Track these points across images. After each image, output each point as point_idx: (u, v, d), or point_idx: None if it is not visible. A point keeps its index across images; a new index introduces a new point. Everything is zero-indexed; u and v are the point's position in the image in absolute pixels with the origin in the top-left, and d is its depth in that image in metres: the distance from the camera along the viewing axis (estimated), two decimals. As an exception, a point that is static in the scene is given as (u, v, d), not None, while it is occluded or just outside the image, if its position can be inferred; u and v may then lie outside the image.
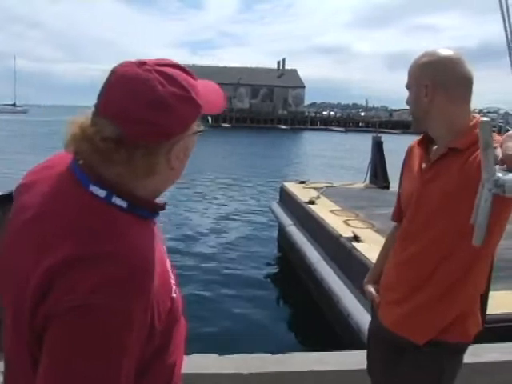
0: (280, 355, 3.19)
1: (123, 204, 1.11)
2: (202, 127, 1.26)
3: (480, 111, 40.18)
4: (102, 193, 1.09)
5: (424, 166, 2.00)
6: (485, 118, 1.28)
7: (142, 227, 1.13)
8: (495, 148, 1.16)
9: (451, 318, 1.91)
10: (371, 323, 2.30)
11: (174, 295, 1.18)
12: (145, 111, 1.07)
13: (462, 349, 1.99)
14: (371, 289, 2.22)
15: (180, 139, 1.16)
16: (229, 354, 3.16)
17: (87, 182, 1.10)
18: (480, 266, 1.91)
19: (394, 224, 2.29)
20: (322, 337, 6.42)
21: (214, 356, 3.14)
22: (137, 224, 1.12)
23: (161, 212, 1.21)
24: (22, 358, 1.11)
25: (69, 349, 0.99)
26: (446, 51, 1.92)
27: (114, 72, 1.13)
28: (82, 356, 0.99)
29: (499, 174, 1.14)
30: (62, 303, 0.98)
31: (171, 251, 1.28)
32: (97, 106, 1.12)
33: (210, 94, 1.25)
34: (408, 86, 2.01)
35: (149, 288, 1.04)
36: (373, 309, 2.23)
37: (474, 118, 1.94)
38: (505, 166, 1.19)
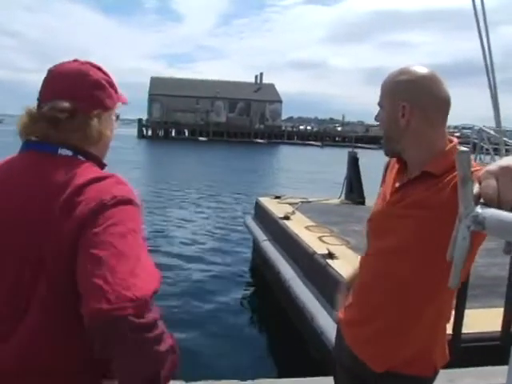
0: (249, 382, 3.08)
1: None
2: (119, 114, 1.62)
3: (455, 128, 40.54)
4: (69, 152, 1.43)
5: (397, 185, 1.90)
6: (463, 148, 1.20)
7: None
8: (473, 182, 1.08)
9: (415, 348, 1.81)
10: (336, 340, 2.19)
11: None
12: (90, 89, 1.48)
13: (425, 382, 1.87)
14: (340, 299, 2.18)
15: (111, 113, 1.56)
16: (195, 380, 3.04)
17: (55, 148, 1.42)
18: (445, 294, 1.80)
19: None
20: (296, 356, 6.33)
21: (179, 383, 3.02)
22: None
23: None
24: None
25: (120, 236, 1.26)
26: (423, 69, 1.81)
27: (53, 69, 1.52)
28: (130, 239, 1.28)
29: (478, 210, 1.06)
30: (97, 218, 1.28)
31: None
32: (43, 95, 1.48)
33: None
34: (381, 104, 1.88)
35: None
36: (338, 324, 2.14)
37: (451, 141, 1.84)
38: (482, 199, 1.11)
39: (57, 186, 1.33)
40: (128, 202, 1.35)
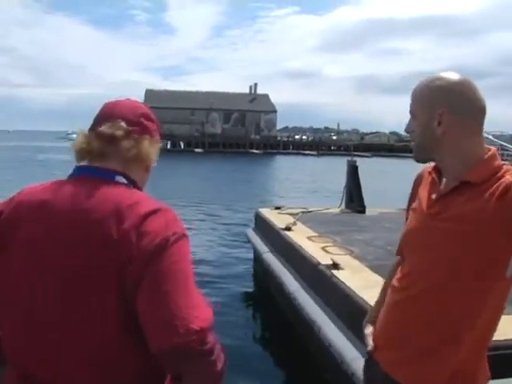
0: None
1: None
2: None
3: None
4: (124, 180, 1.62)
5: (433, 196, 1.81)
6: None
7: None
8: None
9: (457, 369, 1.72)
10: (366, 370, 2.09)
11: None
12: (141, 117, 1.74)
13: None
14: (368, 331, 2.04)
15: (157, 143, 1.82)
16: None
17: (112, 175, 1.61)
18: (490, 314, 1.72)
19: (395, 258, 2.12)
20: (303, 368, 6.24)
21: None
22: None
23: None
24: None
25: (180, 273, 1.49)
26: (458, 76, 1.74)
27: (108, 102, 1.78)
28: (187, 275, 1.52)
29: None
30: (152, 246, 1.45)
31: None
32: (99, 119, 1.69)
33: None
34: (413, 112, 1.80)
35: None
36: (368, 354, 2.04)
37: (489, 149, 1.76)
38: None
39: (120, 211, 1.48)
40: (184, 237, 1.56)
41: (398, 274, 1.91)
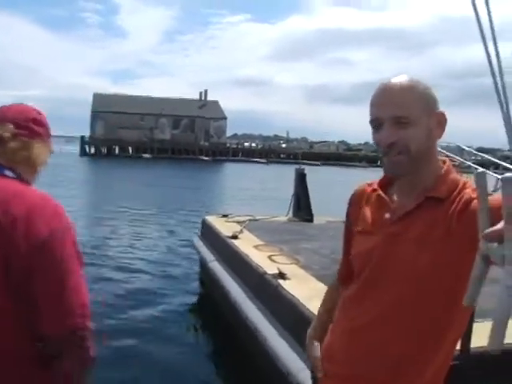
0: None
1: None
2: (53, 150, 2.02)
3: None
4: (13, 175, 1.77)
5: (388, 216, 1.66)
6: (481, 169, 1.07)
7: None
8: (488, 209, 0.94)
9: None
10: None
11: None
12: (29, 122, 1.85)
13: None
14: (316, 353, 1.90)
15: (47, 146, 1.94)
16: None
17: (1, 169, 1.76)
18: (457, 329, 1.62)
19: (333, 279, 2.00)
20: (249, 380, 6.14)
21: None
22: None
23: None
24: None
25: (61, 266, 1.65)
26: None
27: (3, 106, 1.92)
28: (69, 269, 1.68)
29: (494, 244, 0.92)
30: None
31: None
32: None
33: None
34: (409, 117, 1.56)
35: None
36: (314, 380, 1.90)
37: (444, 161, 1.66)
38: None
39: (8, 201, 1.65)
40: (69, 229, 1.73)
41: (350, 298, 1.76)
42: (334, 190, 32.27)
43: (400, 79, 1.59)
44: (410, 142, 1.55)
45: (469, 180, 1.58)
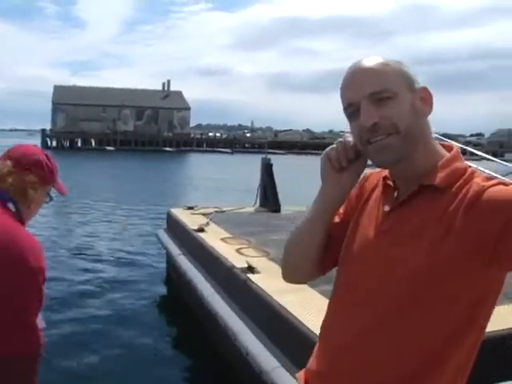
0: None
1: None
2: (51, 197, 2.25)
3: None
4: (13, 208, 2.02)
5: (387, 208, 1.42)
6: None
7: None
8: None
9: None
10: None
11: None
12: (31, 163, 2.08)
13: None
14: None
15: (46, 189, 2.19)
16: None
17: (7, 199, 2.01)
18: (465, 345, 1.34)
19: None
20: (220, 378, 5.95)
21: None
22: None
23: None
24: None
25: None
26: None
27: (18, 145, 2.18)
28: None
29: None
30: None
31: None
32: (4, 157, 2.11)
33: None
34: (391, 91, 1.33)
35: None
36: None
37: (451, 147, 1.44)
38: None
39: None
40: (37, 272, 1.92)
41: (333, 307, 1.52)
42: (299, 179, 32.28)
43: (372, 57, 1.39)
44: (396, 119, 1.31)
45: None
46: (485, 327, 1.37)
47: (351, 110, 1.37)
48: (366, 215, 1.50)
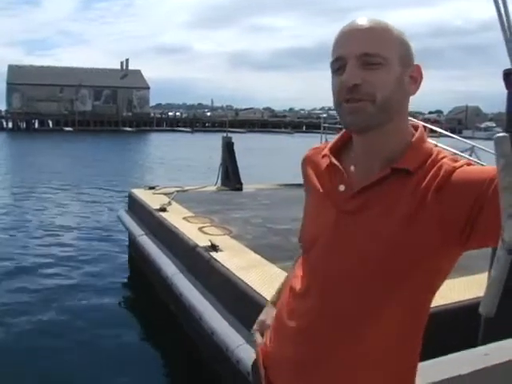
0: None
1: None
2: None
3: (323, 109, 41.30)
4: None
5: (342, 188, 1.38)
6: (502, 133, 0.85)
7: None
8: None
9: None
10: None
11: None
12: None
13: None
14: (259, 340, 1.62)
15: None
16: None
17: None
18: (417, 326, 1.38)
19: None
20: (186, 358, 5.97)
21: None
22: None
23: None
24: None
25: None
26: None
27: None
28: None
29: None
30: None
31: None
32: None
33: None
34: (382, 55, 1.28)
35: None
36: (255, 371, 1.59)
37: (415, 126, 1.40)
38: None
39: None
40: None
41: (299, 275, 1.50)
42: (260, 157, 32.34)
43: (372, 18, 1.32)
44: (377, 88, 1.27)
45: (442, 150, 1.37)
46: (431, 299, 1.37)
47: (338, 65, 1.32)
48: (315, 193, 1.47)
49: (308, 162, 1.56)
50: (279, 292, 1.72)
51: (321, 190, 1.45)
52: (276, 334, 1.52)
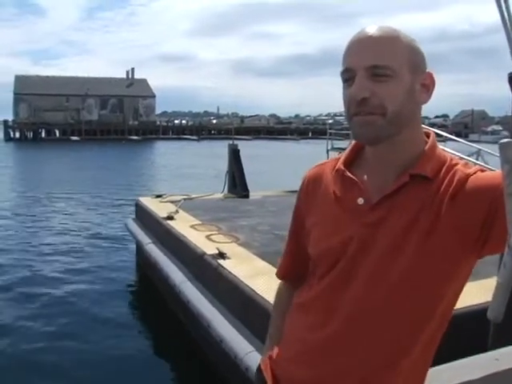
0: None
1: None
2: None
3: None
4: None
5: (361, 201, 1.34)
6: (506, 139, 0.85)
7: None
8: None
9: None
10: None
11: None
12: None
13: None
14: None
15: None
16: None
17: None
18: (440, 336, 1.37)
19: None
20: (194, 365, 5.95)
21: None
22: None
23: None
24: None
25: None
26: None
27: None
28: None
29: None
30: None
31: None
32: None
33: None
34: (391, 67, 1.26)
35: None
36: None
37: (427, 133, 1.39)
38: None
39: None
40: None
41: (298, 306, 1.47)
42: (267, 164, 32.34)
43: (382, 26, 1.31)
44: (387, 101, 1.25)
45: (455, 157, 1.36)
46: (454, 303, 1.38)
47: (347, 76, 1.31)
48: (322, 215, 1.44)
49: (311, 181, 1.52)
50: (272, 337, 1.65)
51: (336, 206, 1.40)
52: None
